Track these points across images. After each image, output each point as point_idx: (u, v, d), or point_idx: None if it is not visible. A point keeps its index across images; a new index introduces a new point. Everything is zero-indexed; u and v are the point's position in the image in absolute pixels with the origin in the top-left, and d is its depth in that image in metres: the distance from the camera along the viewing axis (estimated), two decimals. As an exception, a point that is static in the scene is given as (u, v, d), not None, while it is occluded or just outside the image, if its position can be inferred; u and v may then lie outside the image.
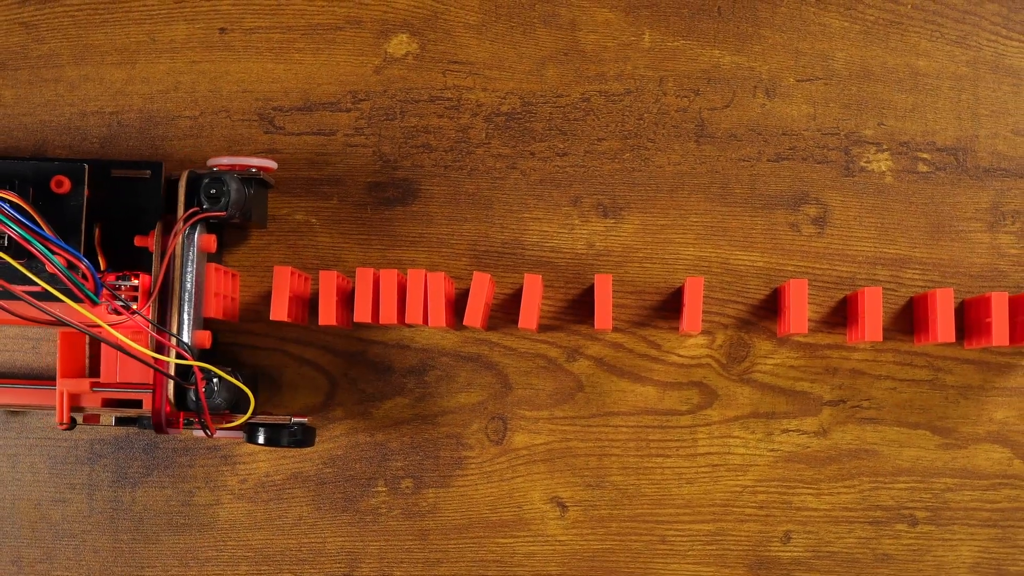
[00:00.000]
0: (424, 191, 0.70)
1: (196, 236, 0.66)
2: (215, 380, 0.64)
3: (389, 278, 0.65)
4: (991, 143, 0.69)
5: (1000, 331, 0.65)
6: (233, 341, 0.69)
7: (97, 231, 0.67)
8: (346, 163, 0.71)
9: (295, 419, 0.67)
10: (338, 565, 0.69)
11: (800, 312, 0.65)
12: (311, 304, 0.69)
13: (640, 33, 0.70)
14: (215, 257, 0.70)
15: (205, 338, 0.66)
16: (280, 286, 0.65)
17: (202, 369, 0.63)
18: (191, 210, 0.65)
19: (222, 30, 0.71)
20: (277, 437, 0.66)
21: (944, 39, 0.70)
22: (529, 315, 0.65)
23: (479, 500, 0.69)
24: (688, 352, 0.69)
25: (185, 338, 0.65)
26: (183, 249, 0.66)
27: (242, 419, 0.65)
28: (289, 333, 0.70)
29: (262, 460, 0.69)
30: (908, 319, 0.69)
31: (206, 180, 0.65)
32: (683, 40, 0.70)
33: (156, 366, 0.63)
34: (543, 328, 0.70)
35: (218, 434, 0.66)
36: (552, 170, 0.70)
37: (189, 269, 0.66)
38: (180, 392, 0.64)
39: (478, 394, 0.69)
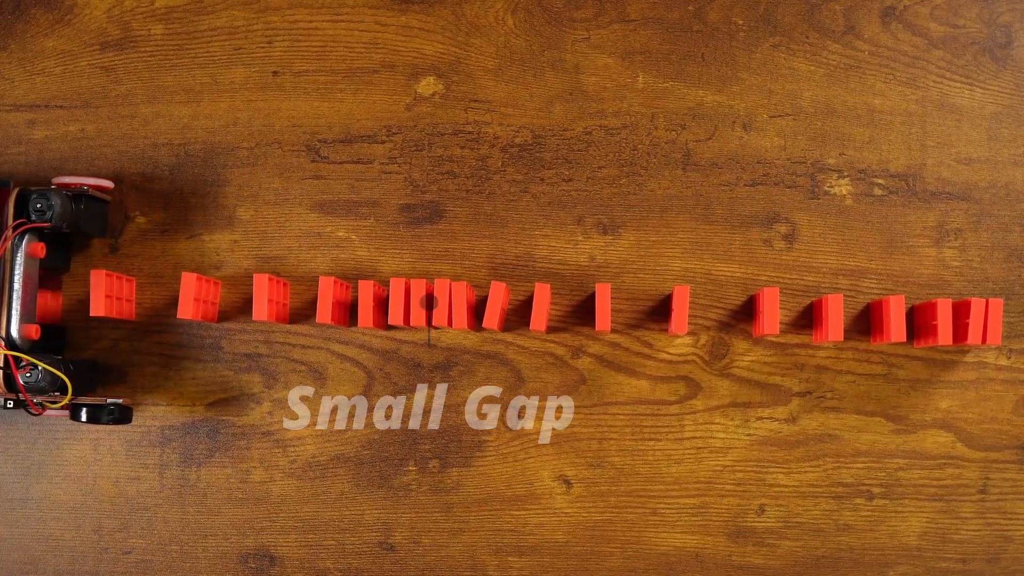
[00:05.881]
0: (449, 211, 0.76)
1: (24, 244, 0.71)
2: (39, 368, 0.69)
3: (419, 287, 0.71)
4: (937, 170, 0.76)
5: (944, 332, 0.71)
6: (285, 341, 0.76)
7: None
8: (381, 188, 0.76)
9: (111, 400, 0.72)
10: (375, 533, 0.76)
11: (772, 316, 0.71)
12: (351, 309, 0.76)
13: (635, 76, 0.77)
14: (56, 264, 0.74)
15: (32, 331, 0.71)
16: (324, 294, 0.71)
17: (21, 357, 0.69)
18: (18, 221, 0.70)
19: (275, 73, 0.77)
20: (97, 415, 0.71)
21: (896, 81, 0.76)
22: (540, 319, 0.72)
23: (496, 478, 0.76)
24: (676, 350, 0.76)
25: (14, 331, 0.70)
26: (11, 255, 0.71)
27: (64, 400, 0.70)
28: (332, 334, 0.76)
29: (309, 444, 0.76)
30: (866, 322, 0.75)
31: (33, 196, 0.70)
32: (672, 82, 0.76)
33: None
34: (551, 330, 0.76)
35: (48, 412, 0.71)
36: (559, 193, 0.76)
37: (17, 272, 0.71)
38: (9, 376, 0.69)
39: (495, 386, 0.76)
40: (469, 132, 0.77)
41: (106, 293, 0.72)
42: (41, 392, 0.70)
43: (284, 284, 0.76)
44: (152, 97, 0.77)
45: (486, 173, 0.77)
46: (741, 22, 0.77)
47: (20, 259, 0.71)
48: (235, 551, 0.76)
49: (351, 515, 0.76)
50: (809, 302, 0.76)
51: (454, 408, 0.76)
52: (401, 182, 0.77)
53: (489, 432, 0.76)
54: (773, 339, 0.76)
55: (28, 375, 0.69)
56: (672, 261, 0.76)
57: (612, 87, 0.77)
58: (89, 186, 0.73)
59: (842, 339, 0.71)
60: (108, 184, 0.74)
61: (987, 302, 0.71)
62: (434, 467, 0.76)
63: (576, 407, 0.76)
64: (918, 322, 0.75)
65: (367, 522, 0.76)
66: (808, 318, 0.76)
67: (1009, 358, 0.75)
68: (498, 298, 0.72)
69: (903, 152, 0.76)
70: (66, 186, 0.73)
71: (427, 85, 0.77)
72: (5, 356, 0.69)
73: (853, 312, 0.76)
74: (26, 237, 0.71)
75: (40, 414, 0.71)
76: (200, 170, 0.77)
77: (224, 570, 0.76)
